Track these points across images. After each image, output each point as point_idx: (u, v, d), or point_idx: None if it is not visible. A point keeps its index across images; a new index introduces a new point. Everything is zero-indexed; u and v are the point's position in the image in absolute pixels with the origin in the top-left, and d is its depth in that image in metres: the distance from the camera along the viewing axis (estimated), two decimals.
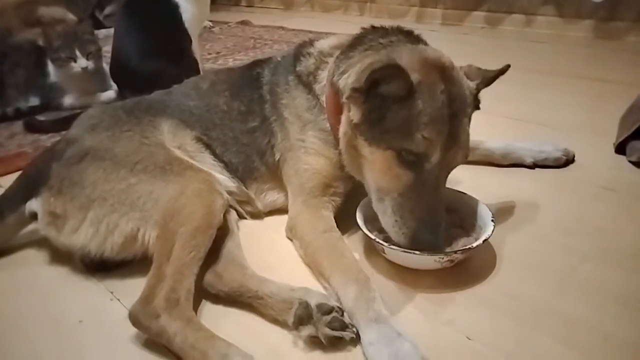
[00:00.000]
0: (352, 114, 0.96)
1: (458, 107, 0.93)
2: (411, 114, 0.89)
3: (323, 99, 1.13)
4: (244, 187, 1.23)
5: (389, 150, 0.92)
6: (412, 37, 1.08)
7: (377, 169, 0.96)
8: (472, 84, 0.99)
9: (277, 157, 1.20)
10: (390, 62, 0.88)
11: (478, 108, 1.02)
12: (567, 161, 1.43)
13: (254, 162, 1.23)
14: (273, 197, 1.25)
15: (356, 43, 1.09)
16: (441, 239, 0.94)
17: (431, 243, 0.93)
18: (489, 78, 1.02)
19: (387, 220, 0.96)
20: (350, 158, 1.04)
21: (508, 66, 1.04)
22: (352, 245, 1.09)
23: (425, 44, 1.07)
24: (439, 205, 0.94)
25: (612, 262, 1.02)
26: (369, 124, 0.93)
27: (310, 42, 1.23)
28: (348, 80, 1.00)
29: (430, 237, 0.92)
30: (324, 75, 1.14)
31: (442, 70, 0.93)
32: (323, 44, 1.20)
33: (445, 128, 0.91)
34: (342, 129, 1.03)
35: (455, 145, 0.93)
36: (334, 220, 1.09)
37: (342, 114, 1.04)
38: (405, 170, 0.92)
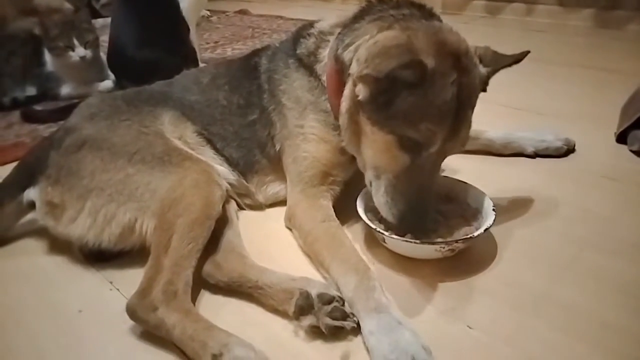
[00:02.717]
0: (358, 89, 0.93)
1: (466, 98, 0.91)
2: (420, 103, 0.87)
3: (324, 78, 1.10)
4: (244, 181, 1.22)
5: (390, 135, 0.91)
6: (425, 12, 1.03)
7: (376, 148, 0.95)
8: (483, 71, 0.96)
9: (277, 147, 1.18)
10: (414, 59, 0.84)
11: (484, 90, 0.99)
12: (568, 150, 1.42)
13: (255, 155, 1.21)
14: (275, 189, 1.23)
15: (362, 14, 1.05)
16: (428, 223, 0.96)
17: (418, 226, 0.94)
18: (503, 65, 0.99)
19: (379, 198, 0.96)
20: (350, 133, 1.01)
21: (526, 53, 1.00)
22: (353, 235, 1.09)
23: (439, 19, 1.02)
24: (430, 190, 0.95)
25: (612, 251, 1.02)
26: (376, 105, 0.91)
27: (310, 24, 1.21)
28: (359, 55, 0.93)
29: (417, 220, 0.93)
30: (325, 54, 1.11)
31: (456, 58, 0.89)
32: (323, 24, 1.18)
33: (450, 120, 0.89)
34: (345, 103, 1.00)
35: (455, 136, 0.92)
36: (332, 209, 1.08)
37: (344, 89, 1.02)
38: (403, 154, 0.92)
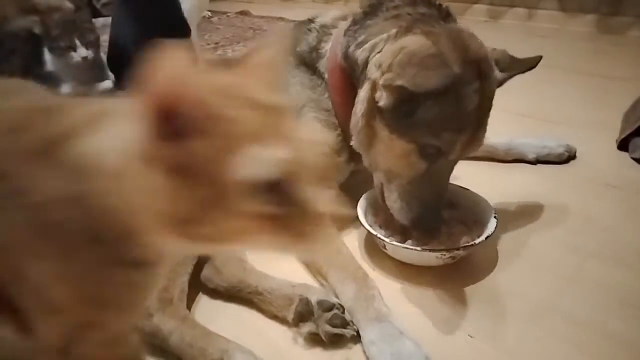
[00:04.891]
0: (379, 96, 0.90)
1: (486, 105, 0.90)
2: (444, 112, 0.85)
3: (327, 76, 1.07)
4: None
5: (411, 144, 0.89)
6: (442, 12, 0.98)
7: (392, 155, 0.93)
8: (499, 76, 0.95)
9: None
10: (453, 73, 0.82)
11: None
12: (569, 157, 1.41)
13: None
14: None
15: (374, 10, 1.00)
16: (440, 222, 0.97)
17: (435, 225, 0.95)
18: (518, 72, 0.99)
19: (392, 203, 0.96)
20: (363, 136, 0.98)
21: (538, 59, 1.01)
22: (352, 240, 1.08)
23: (455, 20, 0.99)
24: (443, 192, 0.96)
25: (614, 260, 1.01)
26: (397, 113, 0.89)
27: (310, 20, 1.18)
28: (380, 59, 0.89)
29: (432, 220, 0.94)
30: (327, 48, 1.08)
31: (479, 65, 0.88)
32: (324, 18, 1.14)
33: (472, 128, 0.89)
34: (361, 106, 0.95)
35: (473, 142, 0.92)
36: None
37: (350, 89, 1.00)
38: (421, 161, 0.91)
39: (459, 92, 0.85)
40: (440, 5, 1.00)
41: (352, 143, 1.02)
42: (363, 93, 0.95)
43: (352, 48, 0.99)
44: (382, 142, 0.94)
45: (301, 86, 1.11)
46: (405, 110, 0.87)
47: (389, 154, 0.94)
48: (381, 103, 0.90)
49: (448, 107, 0.85)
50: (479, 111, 0.89)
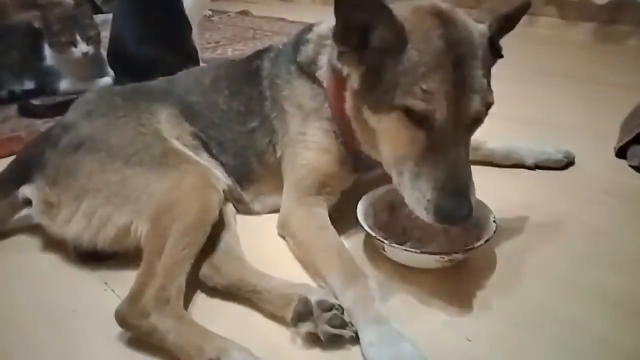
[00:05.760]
0: (351, 79, 0.93)
1: (463, 51, 0.84)
2: (407, 66, 0.83)
3: (325, 85, 1.08)
4: (239, 189, 1.20)
5: (393, 112, 0.86)
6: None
7: (388, 138, 0.90)
8: (482, 27, 0.91)
9: (278, 154, 1.15)
10: (397, 20, 0.84)
11: (500, 56, 0.94)
12: (567, 163, 1.42)
13: (251, 163, 1.19)
14: (274, 200, 1.19)
15: None
16: (469, 206, 0.83)
17: (458, 212, 0.82)
18: (504, 17, 0.93)
19: (408, 197, 0.87)
20: (364, 135, 0.99)
21: (525, 6, 0.95)
22: (352, 243, 1.08)
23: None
24: (462, 168, 0.84)
25: (612, 266, 1.01)
26: (368, 86, 0.89)
27: (309, 28, 1.19)
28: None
29: (455, 206, 0.81)
30: (324, 60, 1.09)
31: (437, 15, 0.86)
32: (322, 27, 1.15)
33: (449, 76, 0.82)
34: (349, 104, 0.99)
35: (465, 93, 0.82)
36: (328, 218, 1.06)
37: (345, 98, 1.01)
38: (415, 132, 0.84)
39: (414, 41, 0.84)
40: None
41: (363, 149, 1.04)
42: (347, 92, 0.98)
43: (334, 60, 1.00)
44: (377, 131, 0.93)
45: (303, 96, 1.11)
46: (373, 80, 0.88)
47: (385, 139, 0.91)
48: (354, 84, 0.93)
49: (408, 58, 0.83)
50: (453, 58, 0.83)
